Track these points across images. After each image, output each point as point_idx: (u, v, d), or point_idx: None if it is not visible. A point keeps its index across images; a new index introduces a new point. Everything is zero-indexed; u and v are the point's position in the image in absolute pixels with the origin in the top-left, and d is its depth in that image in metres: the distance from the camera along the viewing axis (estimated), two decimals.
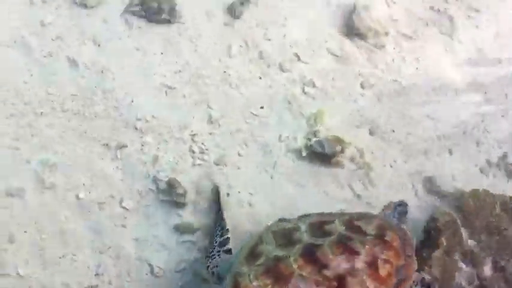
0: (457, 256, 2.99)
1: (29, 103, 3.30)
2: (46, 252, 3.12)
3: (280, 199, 3.22)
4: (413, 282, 2.70)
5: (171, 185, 3.13)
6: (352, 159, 3.31)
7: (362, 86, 3.51)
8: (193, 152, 3.27)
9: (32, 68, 3.38)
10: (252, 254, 2.55)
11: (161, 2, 3.50)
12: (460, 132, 3.45)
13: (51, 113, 3.30)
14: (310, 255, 2.46)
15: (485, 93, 3.57)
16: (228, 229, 2.97)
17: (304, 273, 2.41)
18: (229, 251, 2.89)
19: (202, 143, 3.29)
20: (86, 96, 3.34)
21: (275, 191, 3.24)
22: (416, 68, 3.58)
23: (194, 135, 3.31)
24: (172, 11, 3.50)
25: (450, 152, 3.40)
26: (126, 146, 3.25)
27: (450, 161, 3.38)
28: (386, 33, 3.62)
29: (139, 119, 3.32)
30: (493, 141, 3.45)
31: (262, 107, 3.40)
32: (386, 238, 2.60)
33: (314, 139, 3.28)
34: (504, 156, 3.40)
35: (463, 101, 3.54)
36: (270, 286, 2.38)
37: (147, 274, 3.15)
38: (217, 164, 3.26)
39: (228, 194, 3.23)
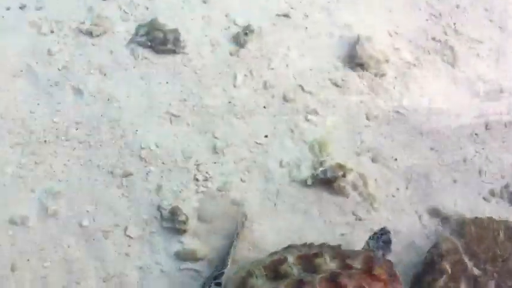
0: (461, 283, 2.97)
1: (34, 132, 3.30)
2: (49, 280, 3.08)
3: (283, 227, 3.21)
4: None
5: (174, 213, 3.12)
6: (354, 187, 3.31)
7: (364, 115, 3.54)
8: (197, 180, 3.27)
9: (38, 97, 3.40)
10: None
11: (166, 32, 3.54)
12: (462, 160, 3.46)
13: (56, 142, 3.30)
14: None
15: (486, 121, 3.59)
16: (228, 264, 2.95)
17: None
18: (219, 284, 2.88)
19: (207, 172, 3.30)
20: (91, 125, 3.35)
21: (279, 218, 3.22)
22: (419, 96, 3.62)
23: (199, 164, 3.31)
24: (177, 41, 3.54)
25: (453, 180, 3.41)
26: (131, 174, 3.25)
27: (453, 188, 3.39)
28: (388, 61, 3.66)
29: (143, 148, 3.32)
30: (495, 170, 3.46)
31: (266, 136, 3.42)
32: (374, 272, 2.62)
33: (320, 169, 3.29)
34: (507, 185, 3.40)
35: (464, 129, 3.56)
36: None
37: None
38: (220, 191, 3.26)
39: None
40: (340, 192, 3.29)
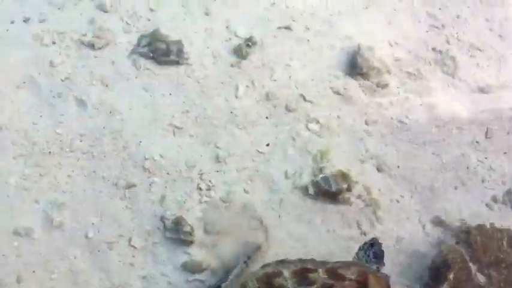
0: None
1: (37, 143, 3.30)
2: None
3: (287, 237, 3.20)
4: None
5: (178, 223, 3.11)
6: (359, 196, 3.31)
7: (367, 123, 3.55)
8: (201, 189, 3.27)
9: (41, 108, 3.41)
10: None
11: (169, 43, 3.56)
12: (464, 168, 3.47)
13: (60, 153, 3.30)
14: None
15: (488, 130, 3.61)
16: (228, 280, 2.93)
17: None
18: None
19: (210, 181, 3.30)
20: (94, 136, 3.35)
21: (282, 229, 3.22)
22: (420, 105, 3.64)
23: (202, 174, 3.31)
24: (180, 52, 3.56)
25: (456, 188, 3.42)
26: (135, 186, 3.25)
27: (456, 196, 3.40)
28: (389, 72, 3.68)
29: (147, 159, 3.32)
30: (497, 177, 3.47)
31: (268, 145, 3.42)
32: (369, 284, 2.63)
33: (320, 175, 3.29)
34: (509, 191, 3.41)
35: (466, 138, 3.58)
36: None
37: None
38: (223, 201, 3.25)
39: None
40: (344, 201, 3.29)
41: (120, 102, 3.47)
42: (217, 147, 3.39)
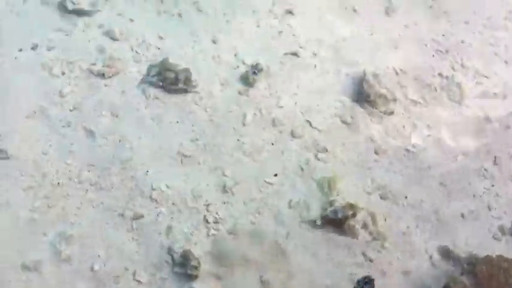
0: None
1: (46, 174, 3.32)
2: None
3: (295, 269, 3.21)
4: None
5: (185, 257, 3.12)
6: (365, 226, 3.32)
7: (373, 151, 3.56)
8: (208, 222, 3.28)
9: (51, 138, 3.42)
10: None
11: (178, 72, 3.58)
12: (471, 196, 3.48)
13: (68, 184, 3.31)
14: None
15: (494, 157, 3.62)
16: None
17: None
18: None
19: (217, 213, 3.31)
20: (102, 167, 3.37)
21: (289, 262, 3.22)
22: (427, 133, 3.64)
23: (208, 205, 3.32)
24: (188, 80, 3.58)
25: (463, 217, 3.43)
26: (142, 217, 3.26)
27: (463, 226, 3.40)
28: (395, 100, 3.70)
29: (154, 189, 3.33)
30: (504, 206, 3.47)
31: (276, 175, 3.44)
32: None
33: (330, 209, 3.30)
34: None
35: (473, 166, 3.58)
36: None
37: None
38: (231, 234, 3.26)
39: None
40: (350, 231, 3.29)
41: (129, 131, 3.48)
42: (225, 176, 3.41)
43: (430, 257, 3.29)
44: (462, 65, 3.87)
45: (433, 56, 3.91)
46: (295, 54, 3.81)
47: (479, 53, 3.94)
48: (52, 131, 3.45)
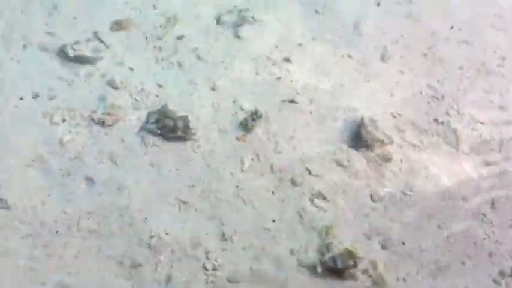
0: None
1: (45, 223, 3.32)
2: None
3: None
4: None
5: None
6: (364, 272, 3.30)
7: (371, 197, 3.57)
8: (207, 269, 3.26)
9: (50, 187, 3.43)
10: None
11: (176, 119, 3.62)
12: (471, 243, 3.46)
13: (67, 233, 3.31)
14: None
15: (493, 203, 3.62)
16: None
17: None
18: None
19: (216, 260, 3.30)
20: (101, 214, 3.37)
21: None
22: (424, 177, 3.65)
23: (208, 252, 3.31)
24: (187, 128, 3.61)
25: (463, 263, 3.40)
26: (141, 265, 3.24)
27: (463, 272, 3.37)
28: (393, 144, 3.73)
29: (153, 236, 3.33)
30: (505, 252, 3.46)
31: (274, 221, 3.44)
32: None
33: (328, 255, 3.29)
34: None
35: (471, 210, 3.58)
36: None
37: None
38: (229, 281, 3.24)
39: None
40: (350, 277, 3.28)
41: (127, 178, 3.50)
42: (223, 224, 3.41)
43: None
44: (458, 111, 3.91)
45: (429, 102, 3.95)
46: (293, 100, 3.85)
47: (474, 100, 3.98)
48: (51, 179, 3.46)
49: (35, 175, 3.47)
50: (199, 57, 3.96)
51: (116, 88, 3.79)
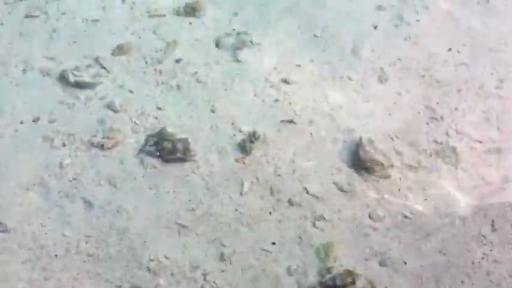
0: None
1: (44, 246, 3.33)
2: None
3: None
4: None
5: None
6: None
7: (370, 218, 3.57)
8: None
9: (49, 210, 3.45)
10: None
11: (175, 141, 3.64)
12: (469, 263, 3.45)
13: (66, 256, 3.32)
14: None
15: (492, 222, 3.61)
16: None
17: None
18: None
19: (214, 281, 3.29)
20: (100, 237, 3.38)
21: None
22: (424, 199, 3.66)
23: (206, 274, 3.31)
24: (186, 150, 3.64)
25: (462, 283, 3.39)
26: None
27: None
28: (392, 165, 3.74)
29: (152, 260, 3.33)
30: (504, 272, 3.44)
31: (274, 243, 3.44)
32: None
33: (328, 276, 3.28)
34: None
35: (471, 231, 3.57)
36: None
37: None
38: None
39: None
40: None
41: (126, 201, 3.51)
42: (222, 245, 3.41)
43: None
44: (456, 131, 3.92)
45: (428, 123, 3.97)
46: (291, 121, 3.87)
47: (473, 120, 4.00)
48: (51, 202, 3.48)
49: (35, 198, 3.49)
50: (198, 80, 4.00)
51: (116, 111, 3.82)
